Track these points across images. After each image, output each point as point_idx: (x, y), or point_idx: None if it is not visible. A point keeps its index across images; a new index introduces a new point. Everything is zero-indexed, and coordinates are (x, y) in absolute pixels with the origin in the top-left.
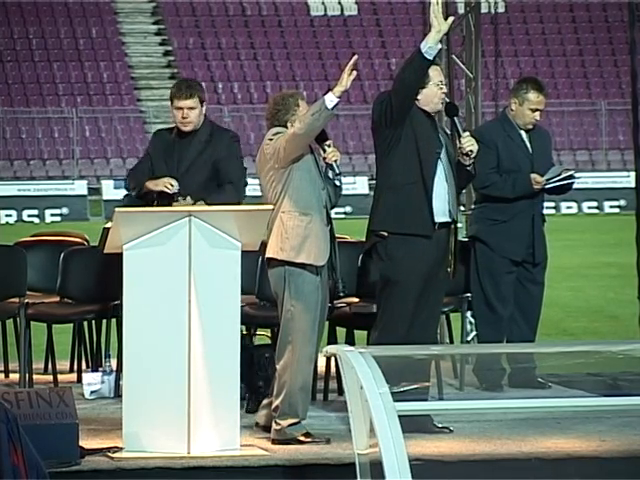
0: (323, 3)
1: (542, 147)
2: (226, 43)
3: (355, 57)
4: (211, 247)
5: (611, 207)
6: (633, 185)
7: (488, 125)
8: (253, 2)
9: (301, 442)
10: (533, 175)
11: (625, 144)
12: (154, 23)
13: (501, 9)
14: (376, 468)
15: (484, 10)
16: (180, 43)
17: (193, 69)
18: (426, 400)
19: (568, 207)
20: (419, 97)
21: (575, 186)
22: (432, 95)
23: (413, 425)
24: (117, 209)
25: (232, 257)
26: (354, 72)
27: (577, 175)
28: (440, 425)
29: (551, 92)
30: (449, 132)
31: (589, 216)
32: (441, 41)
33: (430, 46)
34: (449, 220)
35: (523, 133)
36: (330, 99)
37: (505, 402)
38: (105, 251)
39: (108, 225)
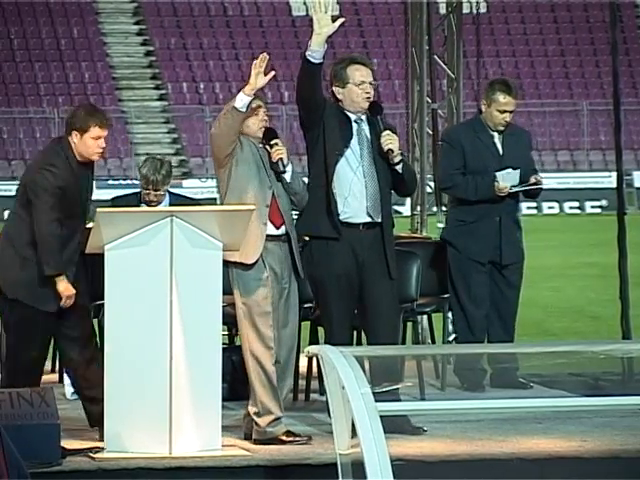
0: (305, 3)
1: (515, 148)
2: (207, 43)
3: (264, 55)
4: (193, 247)
5: (592, 207)
6: (615, 185)
7: (458, 126)
8: (235, 2)
9: (283, 442)
10: (496, 183)
11: (607, 144)
12: (135, 23)
13: (483, 9)
14: (358, 468)
15: (466, 10)
16: (162, 43)
17: (174, 69)
18: (400, 400)
19: (550, 207)
20: (339, 97)
21: (557, 186)
22: (352, 95)
23: (390, 426)
24: (99, 209)
25: (213, 257)
26: (272, 72)
27: (559, 175)
28: (416, 425)
29: (532, 92)
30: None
31: (570, 216)
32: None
33: (312, 49)
34: (370, 221)
35: (496, 134)
36: (240, 98)
37: (487, 402)
38: (87, 251)
39: (90, 225)
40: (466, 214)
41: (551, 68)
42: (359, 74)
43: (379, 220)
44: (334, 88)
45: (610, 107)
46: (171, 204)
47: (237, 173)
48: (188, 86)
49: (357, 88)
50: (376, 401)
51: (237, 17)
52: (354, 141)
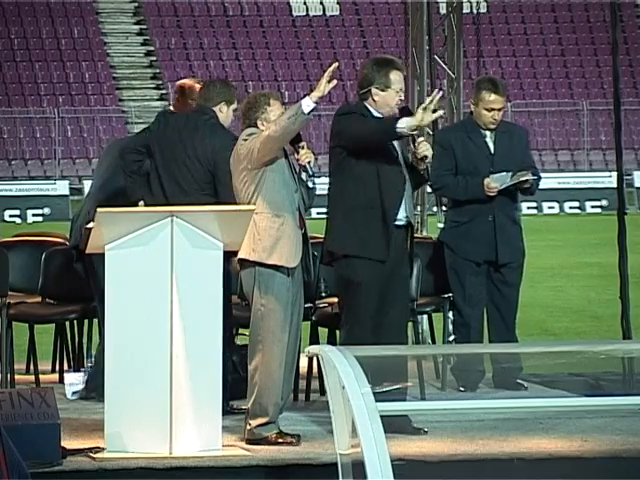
0: (305, 3)
1: (508, 147)
2: (208, 43)
3: (336, 64)
4: (193, 247)
5: (593, 207)
6: (615, 185)
7: (449, 127)
8: (235, 2)
9: (272, 442)
10: (486, 181)
11: (607, 144)
12: (136, 23)
13: (483, 9)
14: (358, 468)
15: (466, 10)
16: (162, 43)
17: (175, 69)
18: (405, 400)
19: (550, 207)
20: (376, 99)
21: (557, 186)
22: (390, 99)
23: (391, 426)
24: (99, 209)
25: (214, 257)
26: (334, 80)
27: (559, 175)
28: (416, 427)
29: (533, 92)
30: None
31: (571, 216)
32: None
33: (405, 132)
34: (405, 222)
35: (488, 133)
36: (307, 104)
37: (487, 402)
38: (87, 251)
39: (90, 225)
40: (460, 215)
41: (551, 68)
42: (399, 80)
43: (411, 221)
44: (373, 89)
45: (610, 107)
46: None
47: (272, 176)
48: None
49: (396, 94)
50: (377, 401)
51: (237, 17)
52: None
